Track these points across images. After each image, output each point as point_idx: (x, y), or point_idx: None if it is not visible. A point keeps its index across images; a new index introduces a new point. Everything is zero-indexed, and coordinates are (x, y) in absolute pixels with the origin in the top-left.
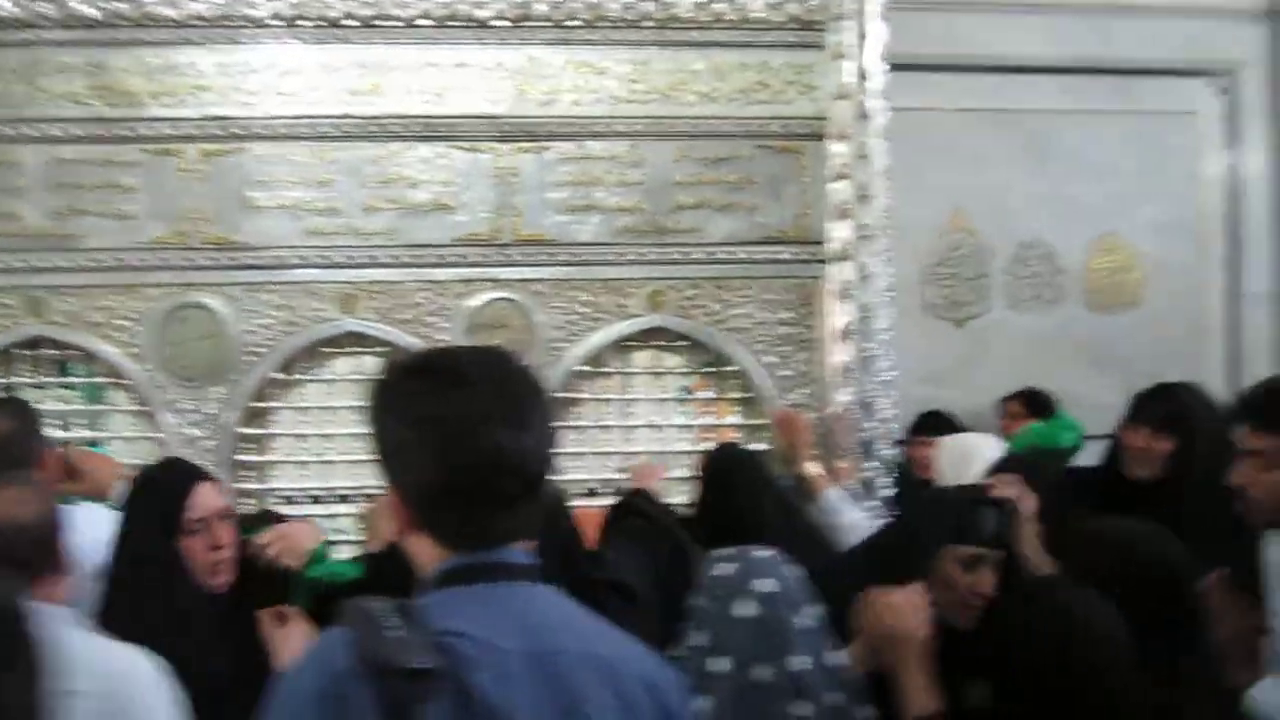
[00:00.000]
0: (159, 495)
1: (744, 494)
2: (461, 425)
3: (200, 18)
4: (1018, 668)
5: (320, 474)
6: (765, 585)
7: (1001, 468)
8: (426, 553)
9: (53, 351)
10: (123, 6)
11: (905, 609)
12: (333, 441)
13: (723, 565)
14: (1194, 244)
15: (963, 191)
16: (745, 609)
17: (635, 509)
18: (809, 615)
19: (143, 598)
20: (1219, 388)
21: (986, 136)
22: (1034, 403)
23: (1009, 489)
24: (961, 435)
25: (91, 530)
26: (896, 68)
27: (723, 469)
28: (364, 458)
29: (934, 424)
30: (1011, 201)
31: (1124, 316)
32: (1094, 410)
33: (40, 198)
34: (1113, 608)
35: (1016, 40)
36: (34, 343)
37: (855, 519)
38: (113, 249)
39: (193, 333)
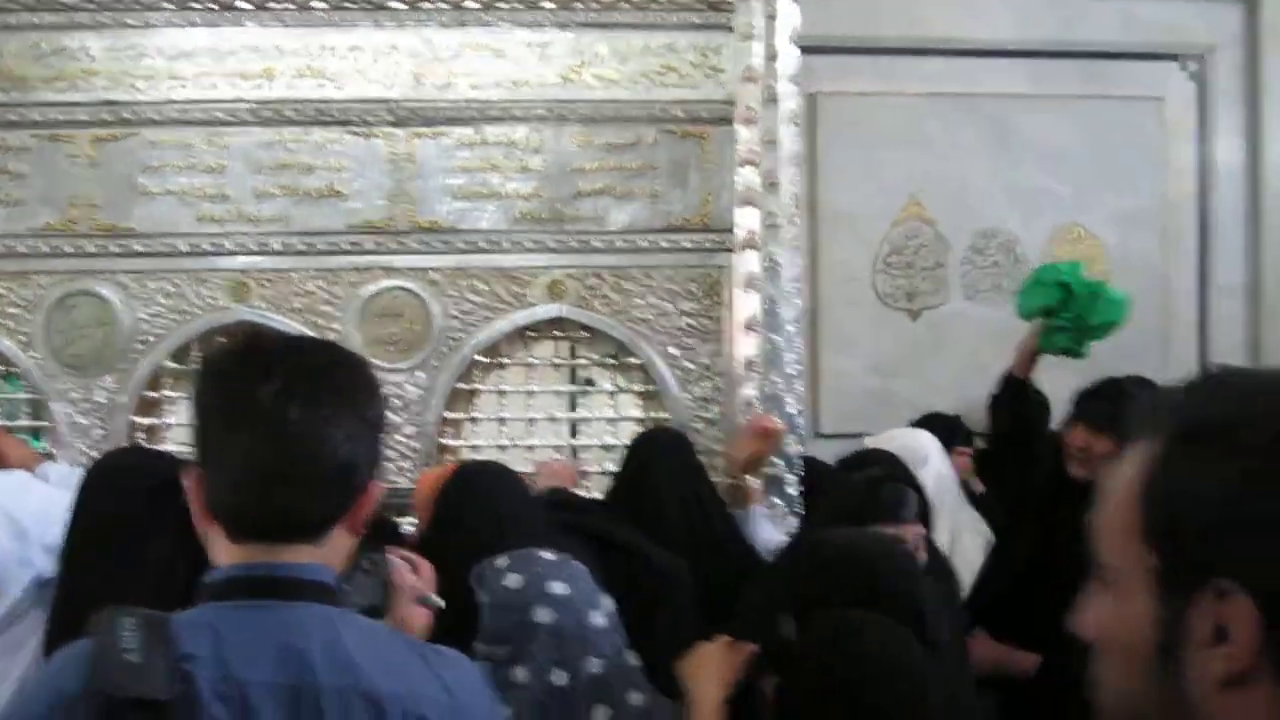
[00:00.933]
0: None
1: (659, 477)
2: (250, 411)
3: (92, 1)
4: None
5: None
6: (557, 588)
7: None
8: (221, 552)
9: None
10: None
11: (701, 670)
12: None
13: (511, 574)
14: (1162, 235)
15: (920, 179)
16: (542, 615)
17: (558, 503)
18: (601, 614)
19: None
20: None
21: (946, 122)
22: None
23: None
24: (901, 431)
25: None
26: (855, 51)
27: (644, 448)
28: None
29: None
30: (971, 189)
31: None
32: (1056, 407)
33: None
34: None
35: (980, 23)
36: None
37: (773, 538)
38: (2, 236)
39: (83, 321)
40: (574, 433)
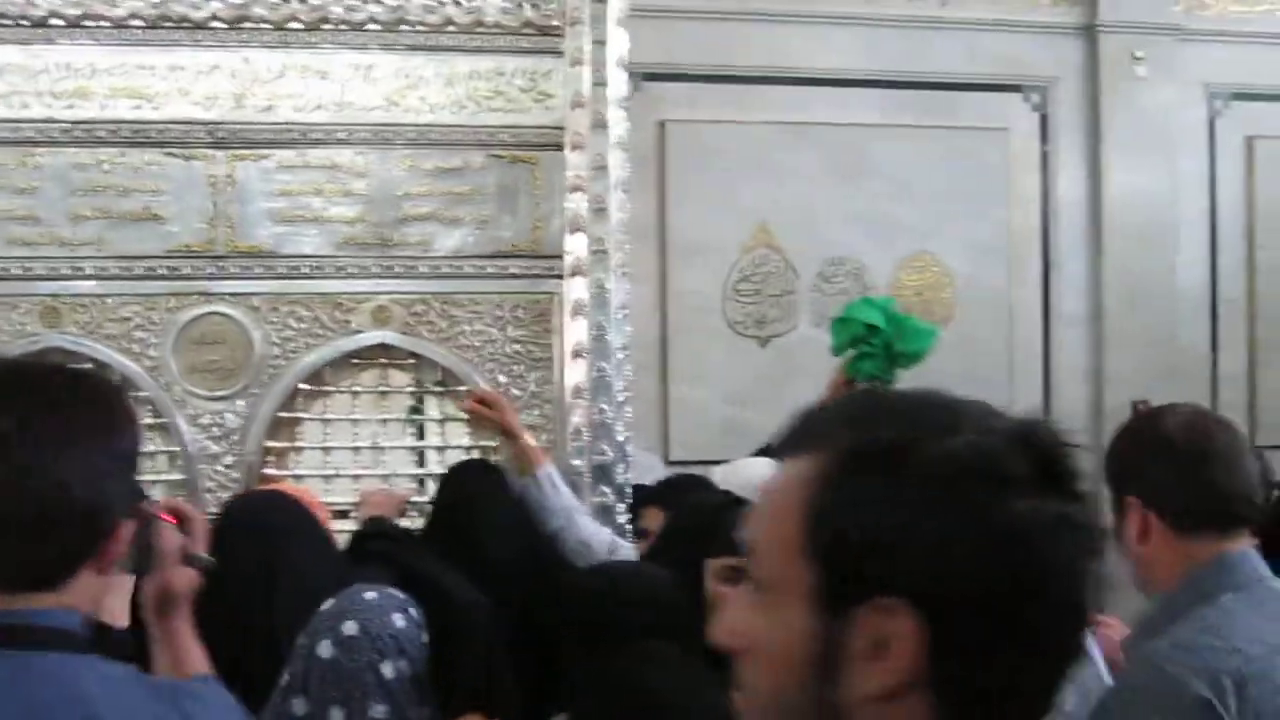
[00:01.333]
0: None
1: (477, 505)
2: None
3: None
4: None
5: None
6: (349, 629)
7: None
8: None
9: None
10: None
11: None
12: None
13: (331, 602)
14: (1008, 263)
15: (770, 207)
16: (324, 649)
17: (378, 533)
18: (400, 667)
19: None
20: (1034, 410)
21: (796, 151)
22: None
23: None
24: (746, 461)
25: None
26: (705, 79)
27: (456, 481)
28: None
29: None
30: (820, 217)
31: None
32: None
33: None
34: None
35: (830, 53)
36: None
37: (570, 502)
38: None
39: None
40: (422, 461)
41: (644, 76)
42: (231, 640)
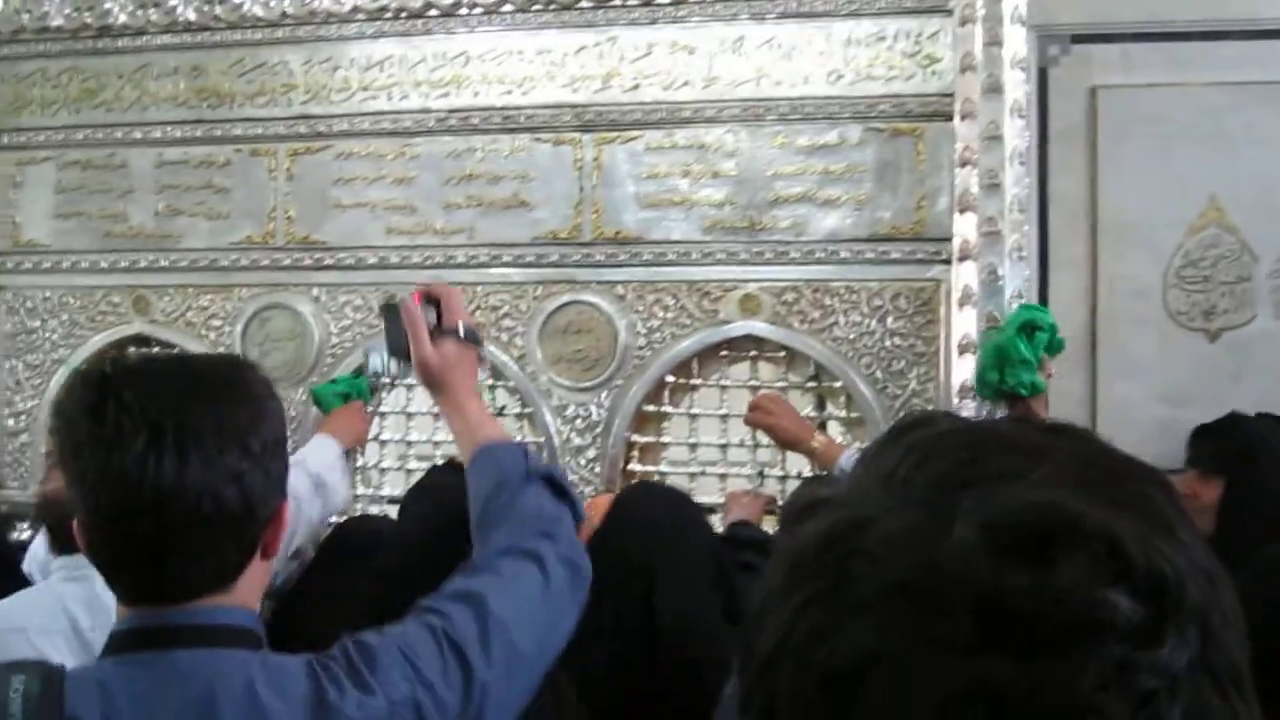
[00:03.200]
0: None
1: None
2: (89, 451)
3: (289, 16)
4: None
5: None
6: None
7: None
8: (119, 612)
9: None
10: (219, 9)
11: None
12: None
13: None
14: None
15: (1222, 180)
16: None
17: (749, 542)
18: None
19: None
20: None
21: (1253, 114)
22: None
23: None
24: None
25: None
26: (1140, 38)
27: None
28: None
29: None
30: None
31: None
32: None
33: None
34: None
35: None
36: (140, 340)
37: None
38: (206, 249)
39: (277, 334)
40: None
41: (1071, 39)
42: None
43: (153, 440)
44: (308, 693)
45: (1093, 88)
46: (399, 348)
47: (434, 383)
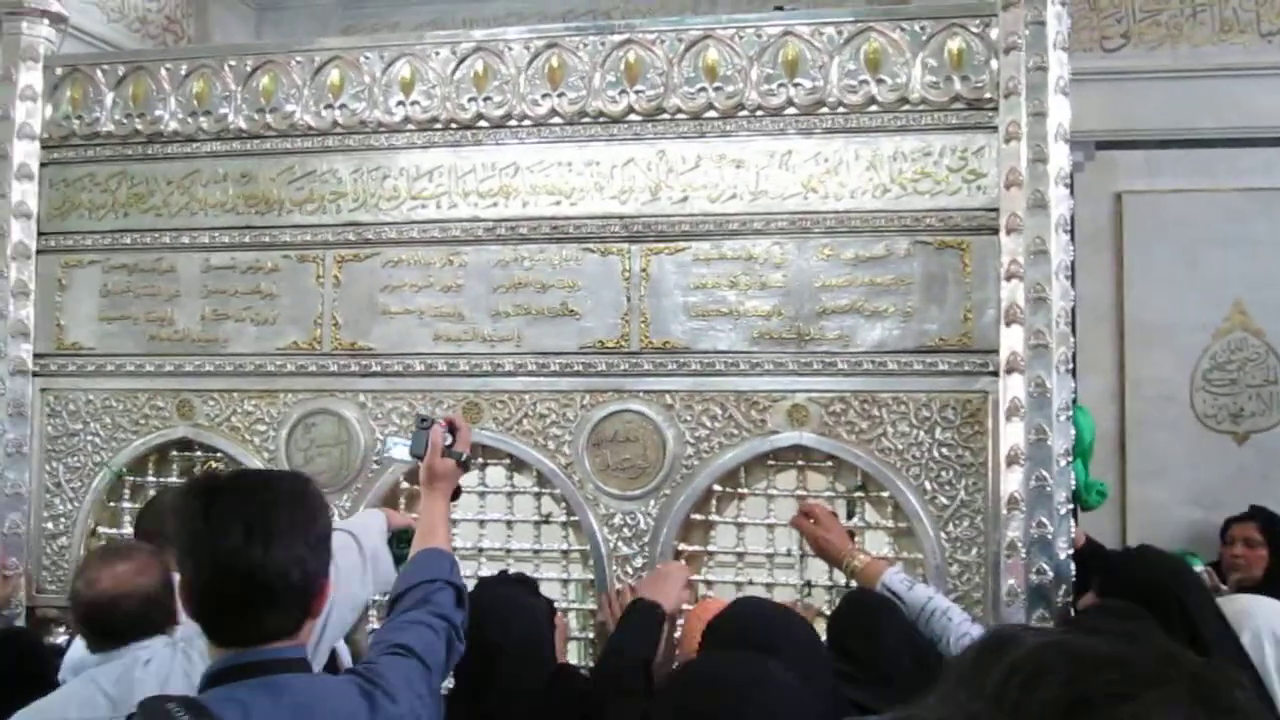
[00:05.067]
0: None
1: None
2: (201, 541)
3: (340, 125)
4: None
5: None
6: None
7: None
8: (210, 651)
9: (198, 454)
10: (269, 117)
11: None
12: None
13: None
14: None
15: (1247, 284)
16: None
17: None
18: None
19: None
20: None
21: (1276, 219)
22: None
23: None
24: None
25: None
26: (1165, 145)
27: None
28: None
29: None
30: None
31: None
32: None
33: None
34: None
35: None
36: (184, 444)
37: (935, 595)
38: (253, 354)
39: (322, 439)
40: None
41: (1097, 145)
42: None
43: (246, 534)
44: (362, 701)
45: (1118, 193)
46: (419, 453)
47: (429, 481)
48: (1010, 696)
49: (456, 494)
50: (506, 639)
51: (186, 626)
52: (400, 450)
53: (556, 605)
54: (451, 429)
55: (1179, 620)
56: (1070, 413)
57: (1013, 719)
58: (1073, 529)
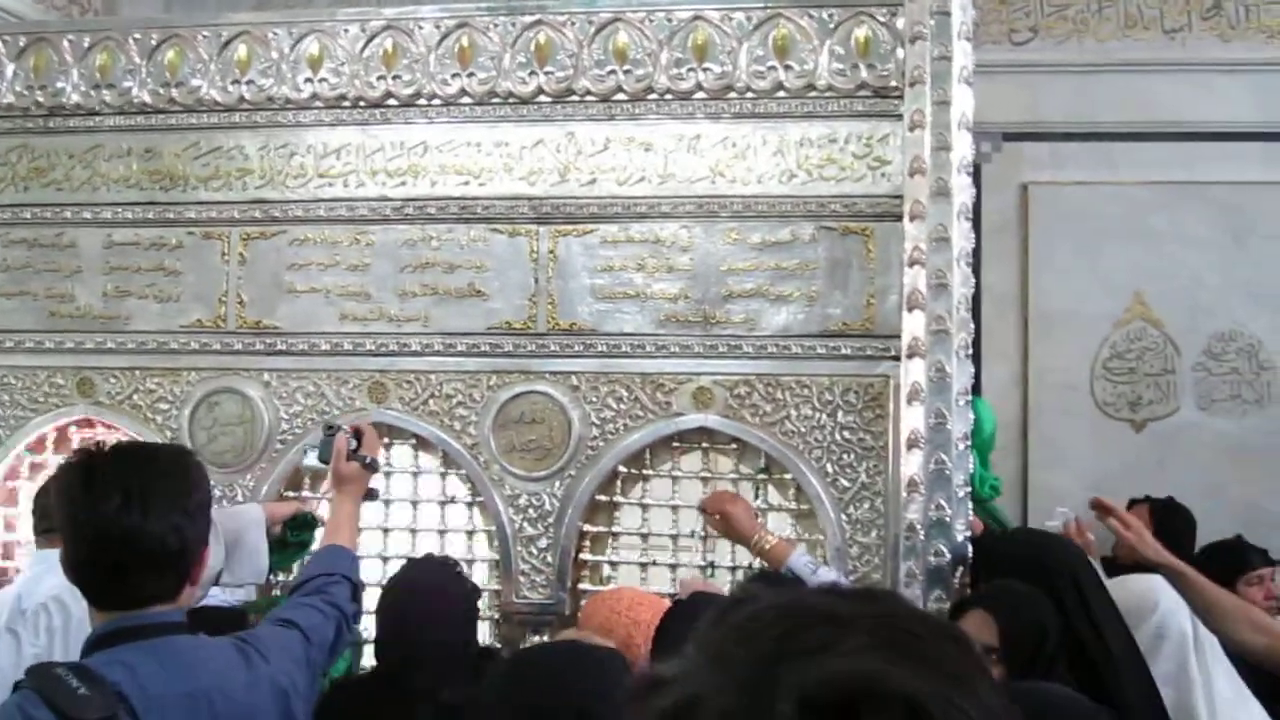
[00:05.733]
0: None
1: None
2: (81, 507)
3: (247, 101)
4: None
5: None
6: None
7: None
8: (93, 616)
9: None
10: (175, 92)
11: None
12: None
13: None
14: None
15: (1146, 276)
16: None
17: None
18: None
19: None
20: None
21: (1176, 213)
22: None
23: None
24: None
25: None
26: (1071, 137)
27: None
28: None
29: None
30: (1205, 287)
31: None
32: None
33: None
34: None
35: (1213, 104)
36: (84, 423)
37: (840, 580)
38: (156, 332)
39: (225, 418)
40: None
41: (1004, 136)
42: None
43: (125, 501)
44: (239, 658)
45: (1024, 184)
46: (326, 459)
47: (336, 485)
48: (724, 652)
49: (372, 495)
50: (432, 620)
51: None
52: (311, 457)
53: None
54: (357, 435)
55: (1069, 597)
56: (969, 398)
57: (725, 676)
58: (970, 514)
